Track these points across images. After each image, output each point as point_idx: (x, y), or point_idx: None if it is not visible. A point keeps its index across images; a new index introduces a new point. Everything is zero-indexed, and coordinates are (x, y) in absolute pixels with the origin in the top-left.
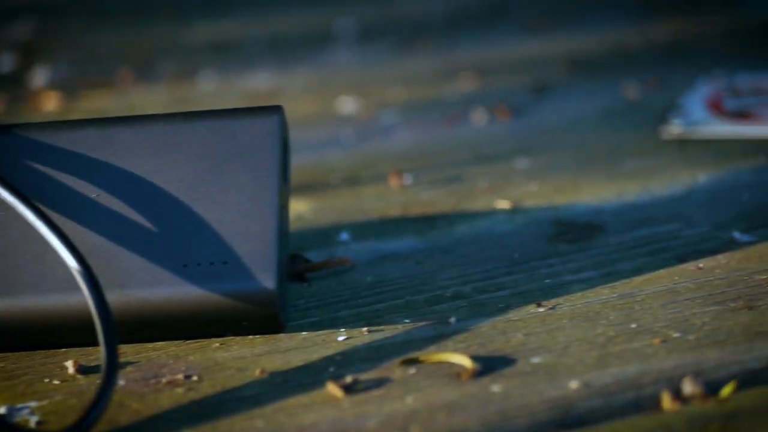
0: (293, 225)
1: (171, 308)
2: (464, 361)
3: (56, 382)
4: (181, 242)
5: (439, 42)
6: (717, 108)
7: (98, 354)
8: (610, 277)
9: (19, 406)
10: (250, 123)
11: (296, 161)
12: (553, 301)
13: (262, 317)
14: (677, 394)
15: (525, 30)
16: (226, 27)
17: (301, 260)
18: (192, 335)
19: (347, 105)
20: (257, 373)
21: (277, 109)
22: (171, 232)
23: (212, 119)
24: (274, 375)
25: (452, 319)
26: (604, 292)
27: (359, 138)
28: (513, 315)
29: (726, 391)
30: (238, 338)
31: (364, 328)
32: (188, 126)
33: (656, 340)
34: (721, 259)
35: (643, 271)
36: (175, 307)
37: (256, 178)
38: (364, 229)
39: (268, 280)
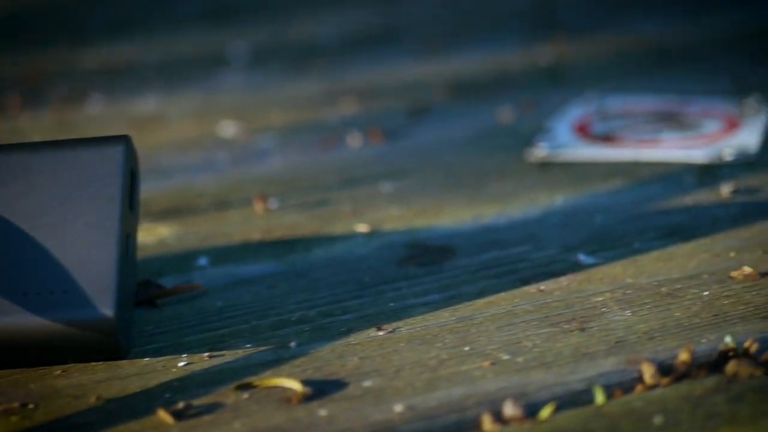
0: (155, 250)
1: (11, 337)
2: (295, 385)
3: None
4: (22, 271)
5: (331, 65)
6: (583, 131)
7: None
8: (453, 300)
9: None
10: (93, 153)
11: (167, 185)
12: (394, 325)
13: (102, 345)
14: (498, 417)
15: (414, 53)
16: (121, 51)
17: (153, 286)
18: (34, 363)
19: (228, 129)
20: (93, 400)
21: (122, 139)
22: (12, 261)
23: (56, 150)
24: (110, 402)
25: (292, 344)
26: (445, 315)
27: (233, 162)
28: (353, 339)
29: (545, 412)
30: (80, 365)
31: (206, 354)
32: (32, 156)
33: (486, 363)
34: (563, 281)
35: (486, 293)
36: (16, 336)
37: (98, 208)
38: (223, 254)
39: (106, 308)
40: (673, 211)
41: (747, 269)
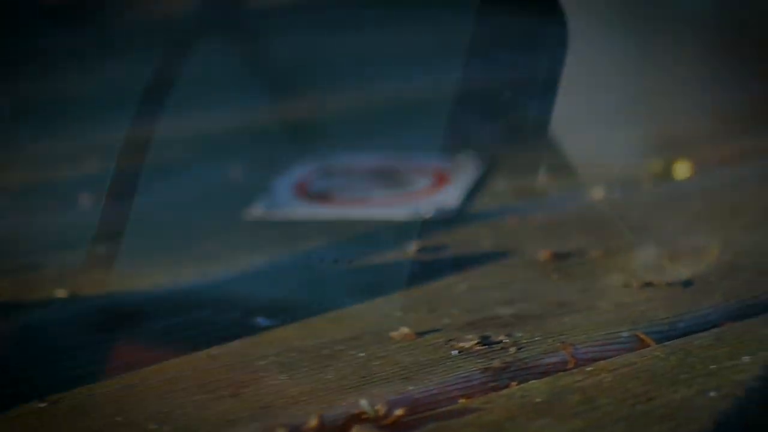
0: None
1: None
2: None
3: None
4: None
5: (90, 121)
6: (302, 190)
7: None
8: (123, 368)
9: None
10: None
11: None
12: (59, 396)
13: None
14: None
15: (164, 108)
16: None
17: None
18: None
19: None
20: None
21: None
22: None
23: None
24: None
25: None
26: (108, 384)
27: None
28: (14, 412)
29: None
30: None
31: None
32: None
33: None
34: (235, 345)
35: (159, 360)
36: None
37: None
38: None
39: None
40: (360, 270)
41: (405, 329)
